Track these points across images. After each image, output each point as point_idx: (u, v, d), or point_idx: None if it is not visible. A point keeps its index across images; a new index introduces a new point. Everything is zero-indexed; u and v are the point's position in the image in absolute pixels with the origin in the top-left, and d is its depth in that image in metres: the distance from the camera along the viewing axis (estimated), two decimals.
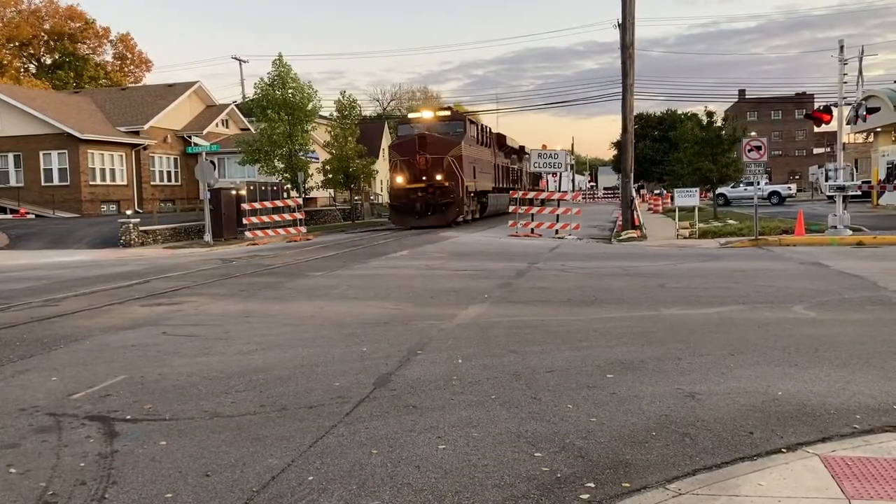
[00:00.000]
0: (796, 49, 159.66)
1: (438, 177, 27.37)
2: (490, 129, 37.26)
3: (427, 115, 30.22)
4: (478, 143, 31.65)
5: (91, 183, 36.29)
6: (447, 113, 30.92)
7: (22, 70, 61.23)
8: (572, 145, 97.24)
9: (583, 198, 60.24)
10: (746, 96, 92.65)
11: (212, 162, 24.99)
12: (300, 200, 29.00)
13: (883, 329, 7.37)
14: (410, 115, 31.40)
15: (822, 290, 10.22)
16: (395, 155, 28.80)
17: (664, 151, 60.14)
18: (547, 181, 43.77)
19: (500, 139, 38.61)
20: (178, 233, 26.29)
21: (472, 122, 31.92)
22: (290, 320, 8.73)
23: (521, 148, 44.63)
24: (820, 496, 3.51)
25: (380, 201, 48.37)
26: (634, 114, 25.41)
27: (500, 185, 37.05)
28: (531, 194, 31.07)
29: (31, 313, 9.74)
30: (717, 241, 19.31)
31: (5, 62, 58.68)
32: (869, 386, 5.34)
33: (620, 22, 23.95)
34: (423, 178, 27.44)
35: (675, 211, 25.75)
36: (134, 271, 15.28)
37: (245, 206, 25.65)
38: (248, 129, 42.10)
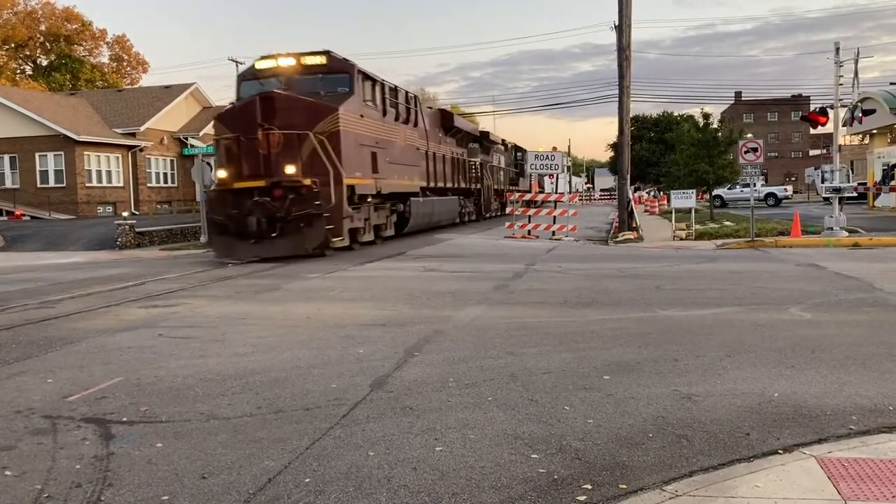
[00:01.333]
0: (792, 51, 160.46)
1: (291, 169, 16.06)
2: (417, 96, 24.37)
3: (286, 61, 18.07)
4: (386, 116, 20.09)
5: (87, 185, 36.25)
6: (321, 60, 18.01)
7: (18, 72, 61.17)
8: (569, 147, 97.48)
9: (579, 199, 60.43)
10: (743, 98, 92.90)
11: (208, 163, 24.88)
12: None
13: (879, 330, 7.39)
14: (259, 64, 18.54)
15: (818, 291, 10.24)
16: (223, 130, 17.16)
17: (661, 153, 60.24)
18: (542, 183, 43.56)
19: (446, 117, 27.83)
20: (174, 234, 26.23)
21: (369, 76, 19.20)
22: (286, 322, 8.71)
23: (485, 134, 33.48)
24: (816, 497, 3.51)
25: None
26: (631, 116, 25.48)
27: (442, 185, 25.63)
28: (527, 196, 30.27)
29: (26, 315, 9.72)
30: (714, 243, 19.32)
31: (1, 64, 58.60)
32: (865, 387, 5.36)
33: (617, 24, 24.02)
34: (267, 170, 16.19)
35: (671, 212, 25.78)
36: (130, 273, 15.24)
37: None
38: None
